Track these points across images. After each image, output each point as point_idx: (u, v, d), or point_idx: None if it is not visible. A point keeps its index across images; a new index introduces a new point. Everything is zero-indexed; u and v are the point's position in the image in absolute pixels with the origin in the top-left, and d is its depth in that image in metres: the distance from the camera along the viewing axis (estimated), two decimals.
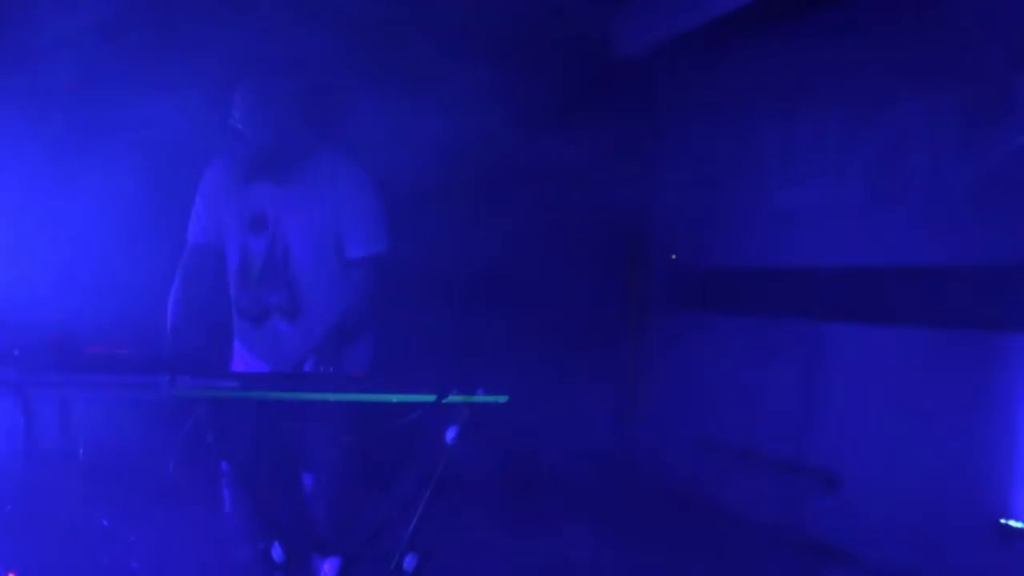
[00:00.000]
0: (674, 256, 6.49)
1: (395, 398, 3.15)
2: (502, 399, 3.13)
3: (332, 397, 3.41)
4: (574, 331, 6.13)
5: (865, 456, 4.89)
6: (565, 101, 5.60)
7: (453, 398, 3.12)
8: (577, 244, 6.25)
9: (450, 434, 3.12)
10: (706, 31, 5.69)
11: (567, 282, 6.19)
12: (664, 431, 6.35)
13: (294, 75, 3.81)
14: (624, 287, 6.71)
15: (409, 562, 3.14)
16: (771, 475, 5.49)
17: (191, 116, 4.90)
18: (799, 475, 5.28)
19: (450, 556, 3.69)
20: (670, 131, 6.40)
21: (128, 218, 4.96)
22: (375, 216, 3.77)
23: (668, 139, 6.41)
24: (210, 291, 3.85)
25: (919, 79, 4.64)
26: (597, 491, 5.84)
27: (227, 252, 3.82)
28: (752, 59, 5.74)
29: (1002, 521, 4.11)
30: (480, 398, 3.12)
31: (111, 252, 4.92)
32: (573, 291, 6.24)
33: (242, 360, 3.84)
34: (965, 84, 4.41)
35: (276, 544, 3.18)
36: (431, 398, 3.10)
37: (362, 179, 3.80)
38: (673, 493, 6.03)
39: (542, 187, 5.95)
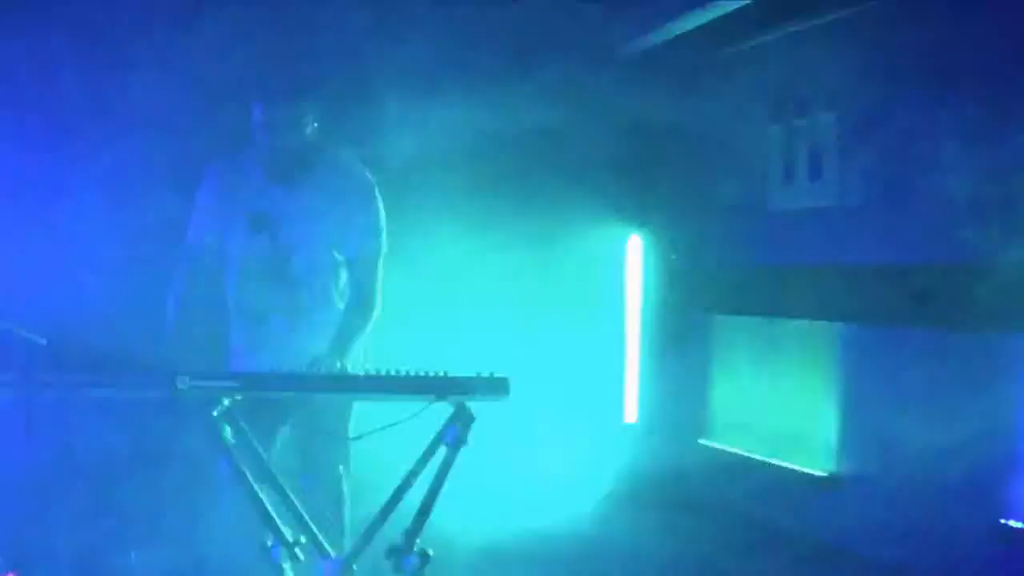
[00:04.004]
0: (674, 256, 6.49)
1: (395, 398, 3.15)
2: (502, 399, 3.13)
3: (332, 397, 3.42)
4: (574, 331, 6.13)
5: (865, 456, 4.89)
6: (565, 100, 5.59)
7: (453, 398, 3.12)
8: (577, 243, 6.25)
9: (450, 434, 3.12)
10: (707, 30, 5.69)
11: (567, 282, 6.19)
12: (664, 431, 6.35)
13: (312, 80, 3.80)
14: (625, 287, 6.71)
15: (409, 562, 3.14)
16: (771, 475, 5.49)
17: (193, 115, 4.91)
18: (799, 475, 5.28)
19: (450, 556, 3.69)
20: (670, 130, 6.39)
21: (128, 218, 4.95)
22: (374, 216, 3.77)
23: (668, 138, 6.40)
24: (209, 290, 3.85)
25: (919, 79, 4.63)
26: (597, 491, 5.84)
27: (228, 251, 3.82)
28: (752, 59, 5.74)
29: (1002, 521, 4.11)
30: (480, 398, 3.13)
31: (111, 252, 4.92)
32: (573, 291, 6.24)
33: (240, 360, 3.84)
34: (966, 83, 4.41)
35: (276, 544, 3.18)
36: (431, 398, 3.10)
37: (362, 179, 3.80)
38: (673, 493, 6.03)
39: (541, 187, 5.95)
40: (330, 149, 3.79)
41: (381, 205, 3.79)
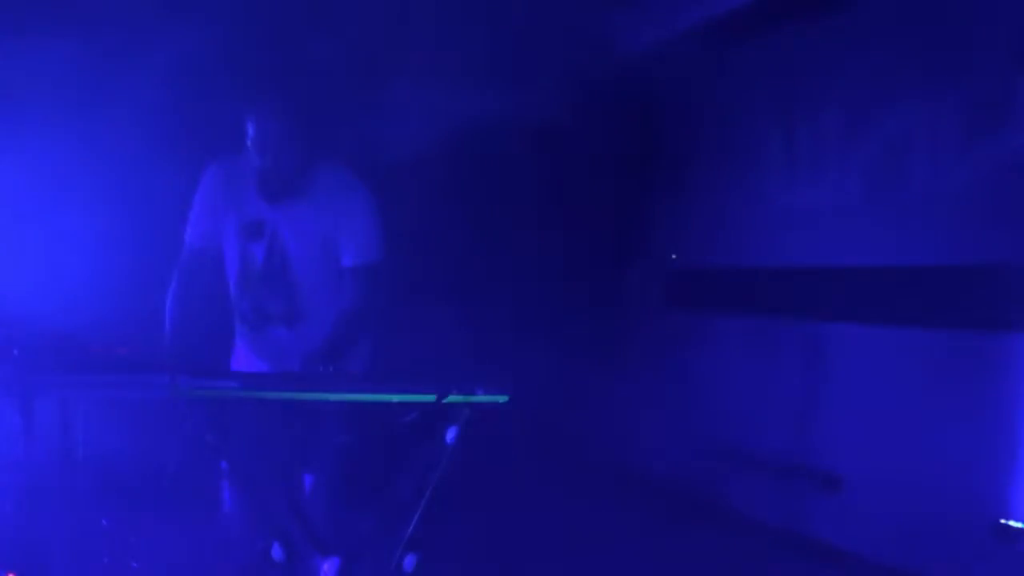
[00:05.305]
0: (674, 256, 6.49)
1: (395, 398, 3.15)
2: (502, 399, 3.13)
3: (332, 397, 3.41)
4: (574, 331, 6.13)
5: (865, 457, 4.89)
6: (566, 100, 5.60)
7: (453, 398, 3.12)
8: (577, 243, 6.25)
9: (450, 434, 3.12)
10: (707, 30, 5.69)
11: (567, 282, 6.20)
12: (664, 432, 6.34)
13: (300, 93, 3.77)
14: (624, 287, 6.71)
15: (409, 562, 3.14)
16: (771, 476, 5.49)
17: (190, 117, 4.91)
18: (799, 476, 5.28)
19: (450, 556, 3.69)
20: (670, 130, 6.40)
21: (127, 218, 4.96)
22: (370, 225, 3.74)
23: (669, 138, 6.41)
24: (207, 292, 3.84)
25: (919, 79, 4.64)
26: (598, 491, 5.84)
27: (226, 256, 3.81)
28: (753, 58, 5.74)
29: (1002, 521, 4.11)
30: (480, 398, 3.12)
31: (111, 252, 4.92)
32: (573, 291, 6.24)
33: (244, 360, 3.84)
34: (965, 84, 4.41)
35: (276, 544, 3.18)
36: (431, 398, 3.10)
37: (357, 188, 3.76)
38: (673, 494, 6.03)
39: (542, 186, 5.95)
40: (324, 160, 3.75)
41: (376, 212, 3.77)
